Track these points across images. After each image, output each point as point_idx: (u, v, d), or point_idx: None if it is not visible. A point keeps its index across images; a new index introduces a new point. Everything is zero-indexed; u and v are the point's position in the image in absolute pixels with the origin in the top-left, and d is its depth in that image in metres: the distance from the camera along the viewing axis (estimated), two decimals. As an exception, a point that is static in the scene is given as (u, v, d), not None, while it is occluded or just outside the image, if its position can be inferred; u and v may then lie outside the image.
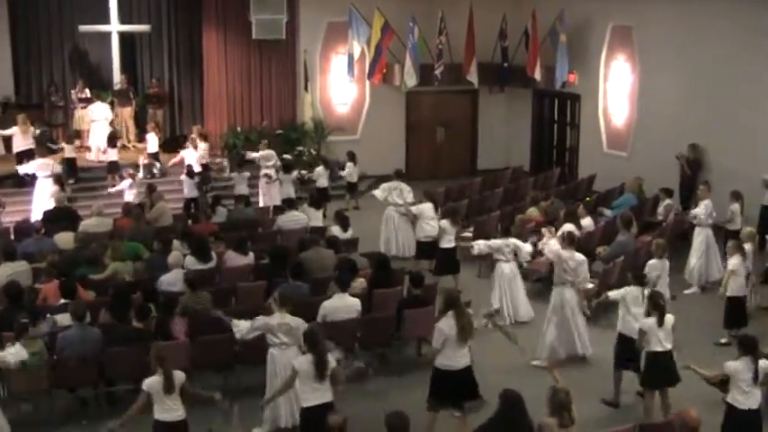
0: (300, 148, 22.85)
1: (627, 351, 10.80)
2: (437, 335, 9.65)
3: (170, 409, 8.82)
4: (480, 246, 14.14)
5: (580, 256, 12.33)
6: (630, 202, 17.63)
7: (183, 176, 19.39)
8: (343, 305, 11.42)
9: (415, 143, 25.11)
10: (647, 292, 10.93)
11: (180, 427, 8.94)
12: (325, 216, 17.46)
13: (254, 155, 20.51)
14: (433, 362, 9.82)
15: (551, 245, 12.88)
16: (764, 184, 16.64)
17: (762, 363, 9.10)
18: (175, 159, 20.83)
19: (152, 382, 8.80)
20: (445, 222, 15.35)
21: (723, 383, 9.27)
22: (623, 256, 14.45)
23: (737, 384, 8.98)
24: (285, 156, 21.74)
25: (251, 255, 14.04)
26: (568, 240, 12.44)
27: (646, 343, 10.17)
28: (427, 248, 15.87)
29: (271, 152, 20.57)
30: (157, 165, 21.21)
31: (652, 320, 10.12)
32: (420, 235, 16.16)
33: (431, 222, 15.89)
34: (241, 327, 10.31)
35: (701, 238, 15.38)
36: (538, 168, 24.37)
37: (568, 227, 15.67)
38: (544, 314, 12.61)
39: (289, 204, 17.11)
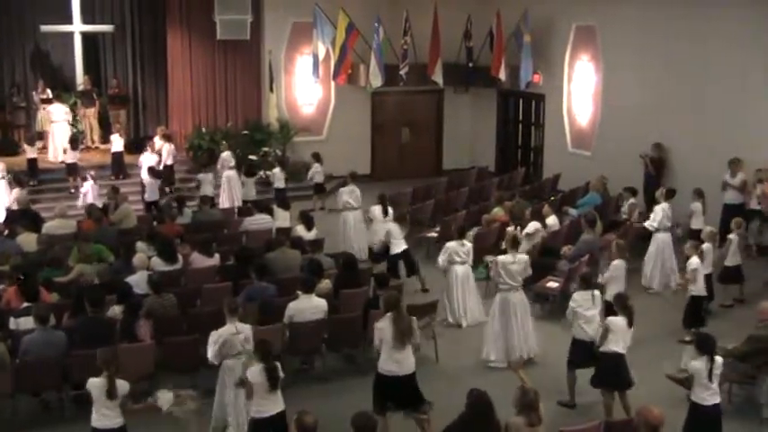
0: (266, 149, 22.79)
1: (581, 354, 10.84)
2: (376, 334, 9.72)
3: (108, 416, 8.56)
4: (441, 261, 13.97)
5: (523, 257, 12.38)
6: (595, 201, 17.73)
7: (146, 178, 19.23)
8: (309, 306, 11.41)
9: (381, 143, 25.16)
10: (596, 293, 11.03)
11: None
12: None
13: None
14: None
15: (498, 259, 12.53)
16: (722, 186, 16.83)
17: (717, 360, 9.20)
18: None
19: (96, 384, 8.59)
20: (393, 225, 15.38)
21: (687, 380, 9.39)
22: (588, 254, 14.55)
23: (700, 383, 9.08)
24: (251, 157, 21.70)
25: (216, 256, 14.00)
26: (511, 244, 12.45)
27: (606, 342, 10.23)
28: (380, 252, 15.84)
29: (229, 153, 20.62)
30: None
31: (621, 320, 10.19)
32: (373, 239, 16.10)
33: (382, 226, 15.85)
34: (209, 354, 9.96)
35: (656, 244, 15.42)
36: (503, 168, 24.50)
37: (534, 226, 15.79)
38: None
39: (256, 206, 17.09)
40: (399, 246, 15.29)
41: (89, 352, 10.41)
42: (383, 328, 9.63)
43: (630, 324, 10.20)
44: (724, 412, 9.46)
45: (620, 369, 10.28)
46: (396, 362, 9.63)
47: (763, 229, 16.68)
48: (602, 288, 12.14)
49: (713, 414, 9.17)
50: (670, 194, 15.70)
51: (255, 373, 8.85)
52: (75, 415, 10.62)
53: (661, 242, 15.34)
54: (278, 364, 9.03)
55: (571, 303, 10.98)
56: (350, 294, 12.63)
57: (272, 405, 8.90)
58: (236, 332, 9.81)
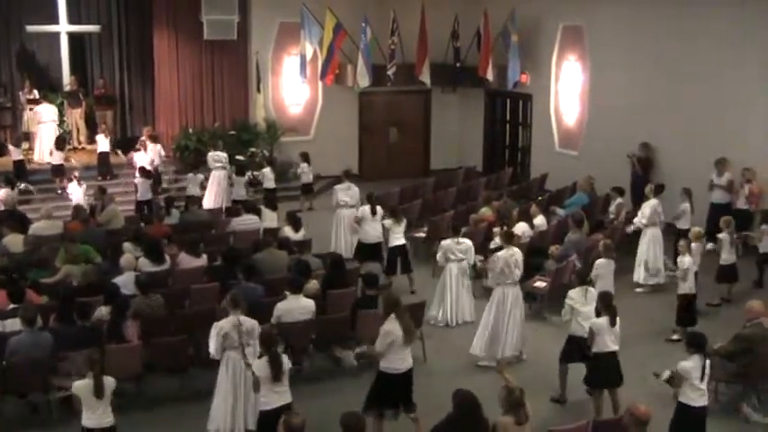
0: (253, 149, 22.75)
1: (576, 350, 10.86)
2: (383, 338, 9.54)
3: (99, 416, 8.61)
4: (438, 258, 14.09)
5: (517, 250, 12.40)
6: (582, 201, 17.78)
7: (138, 178, 19.18)
8: (297, 306, 11.38)
9: (369, 144, 25.14)
10: (591, 290, 11.04)
11: None
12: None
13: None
14: (378, 366, 9.76)
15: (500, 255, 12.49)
16: (709, 185, 16.87)
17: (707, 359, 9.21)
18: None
19: (82, 386, 8.61)
20: (389, 222, 15.39)
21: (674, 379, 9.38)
22: (575, 254, 14.57)
23: (691, 383, 9.07)
24: (238, 157, 21.65)
25: (204, 256, 13.98)
26: (506, 238, 12.49)
27: (594, 344, 10.23)
28: (367, 251, 15.84)
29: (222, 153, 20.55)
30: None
31: (604, 320, 10.20)
32: (362, 237, 16.04)
33: (371, 225, 15.85)
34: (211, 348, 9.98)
35: (646, 240, 15.40)
36: (490, 168, 24.52)
37: (521, 226, 15.81)
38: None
39: (244, 207, 17.07)
40: (398, 239, 15.36)
41: (75, 354, 10.41)
42: (393, 330, 9.52)
43: (613, 323, 10.21)
44: (710, 411, 9.47)
45: (610, 367, 10.29)
46: (402, 359, 9.64)
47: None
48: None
49: (701, 415, 9.18)
50: (659, 190, 15.76)
51: (261, 365, 8.88)
52: (63, 417, 10.59)
53: (651, 237, 15.36)
54: (283, 356, 9.07)
55: (568, 300, 11.00)
56: (337, 295, 12.61)
57: (278, 397, 8.90)
58: (238, 324, 9.82)
